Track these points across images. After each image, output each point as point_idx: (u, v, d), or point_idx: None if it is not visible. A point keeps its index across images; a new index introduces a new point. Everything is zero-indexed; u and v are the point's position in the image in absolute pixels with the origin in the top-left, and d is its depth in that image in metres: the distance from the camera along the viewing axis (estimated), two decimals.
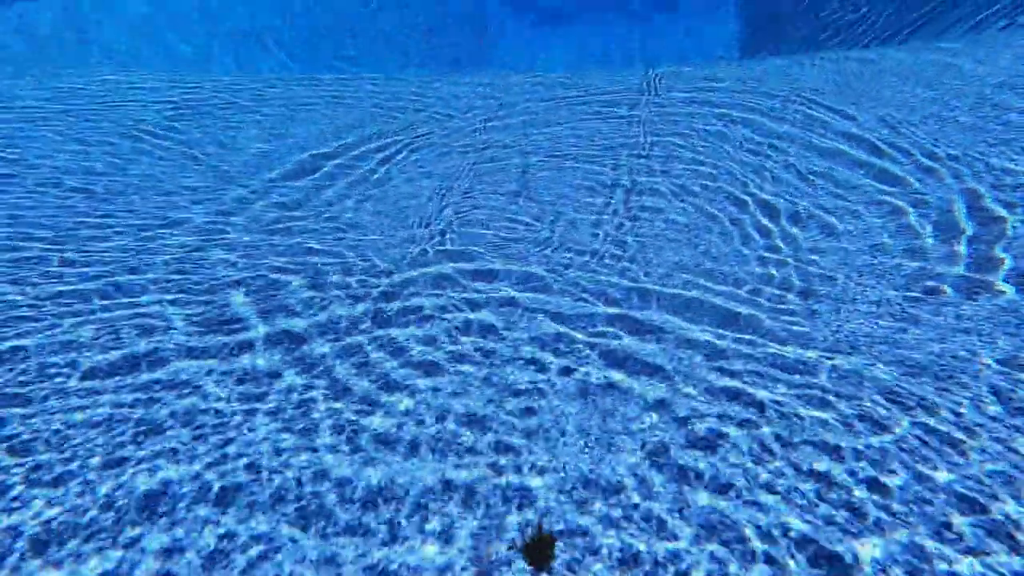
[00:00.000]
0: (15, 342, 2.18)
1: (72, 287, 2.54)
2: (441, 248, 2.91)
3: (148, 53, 8.17)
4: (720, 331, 2.29)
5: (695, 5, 15.28)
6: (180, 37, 8.62)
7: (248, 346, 2.20)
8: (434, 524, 1.51)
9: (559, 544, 1.44)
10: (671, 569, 1.40)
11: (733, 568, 1.39)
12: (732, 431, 1.79)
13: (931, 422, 1.79)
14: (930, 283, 2.52)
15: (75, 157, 3.91)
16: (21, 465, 1.67)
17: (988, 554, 1.40)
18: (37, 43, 6.97)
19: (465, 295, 2.54)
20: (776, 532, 1.47)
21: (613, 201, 3.34)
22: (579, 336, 2.26)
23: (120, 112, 4.70)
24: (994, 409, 1.84)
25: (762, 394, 1.93)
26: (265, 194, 3.49)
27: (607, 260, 2.81)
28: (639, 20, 15.20)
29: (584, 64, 12.72)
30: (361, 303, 2.46)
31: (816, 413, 1.85)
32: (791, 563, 1.40)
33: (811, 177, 3.44)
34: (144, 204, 3.31)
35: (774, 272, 2.69)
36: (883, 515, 1.50)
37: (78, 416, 1.85)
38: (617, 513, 1.54)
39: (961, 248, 2.71)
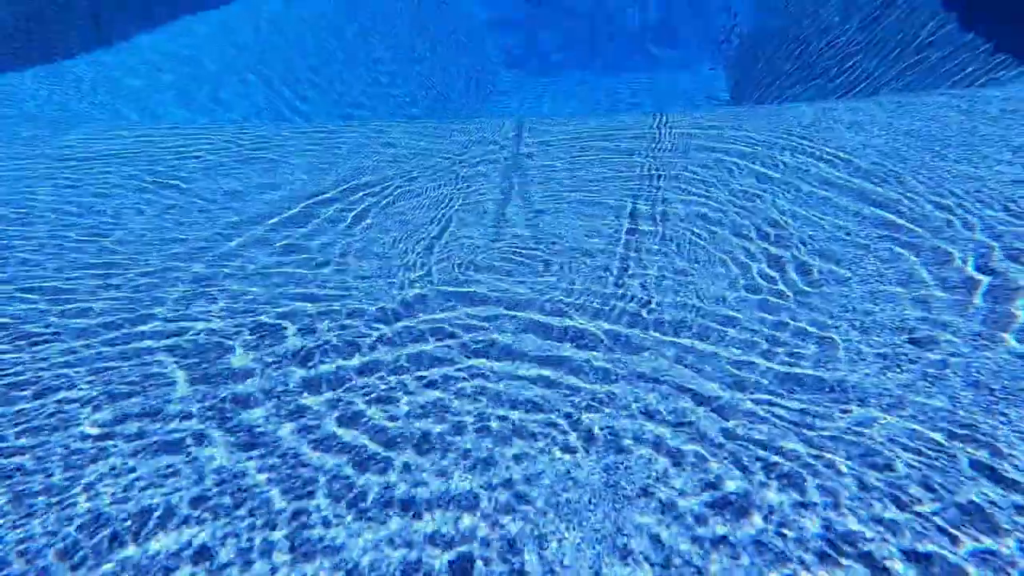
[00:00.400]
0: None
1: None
2: (436, 276, 2.92)
3: (164, 107, 8.35)
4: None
5: (684, 53, 15.60)
6: (192, 89, 8.81)
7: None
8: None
9: None
10: None
11: None
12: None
13: None
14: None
15: (85, 207, 3.92)
16: None
17: None
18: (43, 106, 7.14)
19: (468, 323, 2.50)
20: None
21: (618, 237, 3.31)
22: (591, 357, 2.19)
23: (133, 163, 4.75)
24: None
25: None
26: (265, 236, 3.49)
27: (615, 292, 2.75)
28: (632, 69, 15.51)
29: (581, 111, 12.94)
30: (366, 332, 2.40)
31: None
32: None
33: (853, 233, 3.39)
34: (149, 253, 3.29)
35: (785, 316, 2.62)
36: None
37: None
38: None
39: None
